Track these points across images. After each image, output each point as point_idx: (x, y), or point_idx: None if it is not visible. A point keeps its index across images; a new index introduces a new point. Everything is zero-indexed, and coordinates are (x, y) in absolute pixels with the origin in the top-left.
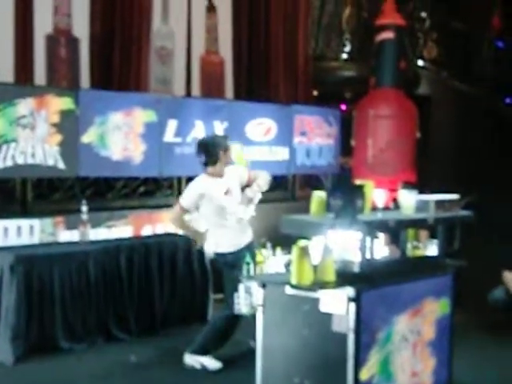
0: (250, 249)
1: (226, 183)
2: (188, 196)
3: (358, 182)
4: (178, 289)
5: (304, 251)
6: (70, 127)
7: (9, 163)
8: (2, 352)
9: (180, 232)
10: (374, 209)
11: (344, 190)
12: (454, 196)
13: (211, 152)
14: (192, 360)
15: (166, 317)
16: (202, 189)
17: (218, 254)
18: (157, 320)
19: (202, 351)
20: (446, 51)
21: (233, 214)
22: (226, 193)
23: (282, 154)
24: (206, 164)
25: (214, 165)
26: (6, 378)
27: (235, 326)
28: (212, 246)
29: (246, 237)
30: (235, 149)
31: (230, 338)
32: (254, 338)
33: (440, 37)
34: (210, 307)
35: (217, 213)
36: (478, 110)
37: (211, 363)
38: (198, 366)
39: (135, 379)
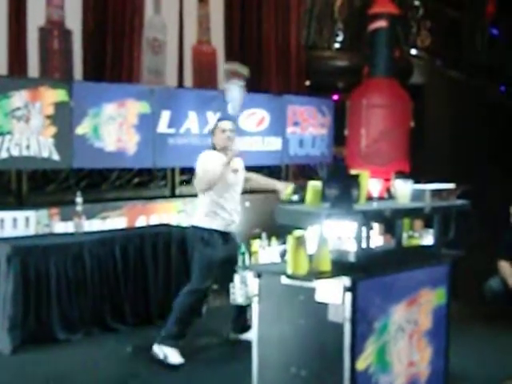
0: (225, 239)
1: (234, 163)
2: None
3: (353, 171)
4: (172, 279)
5: (299, 241)
6: (64, 119)
7: (4, 155)
8: None
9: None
10: (370, 198)
11: (339, 179)
12: (450, 185)
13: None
14: (158, 349)
15: (161, 307)
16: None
17: (195, 228)
18: (152, 310)
19: (169, 338)
20: (440, 40)
21: (231, 195)
22: (234, 172)
23: (274, 144)
24: None
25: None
26: (4, 368)
27: (199, 303)
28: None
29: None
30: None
31: (195, 319)
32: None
33: (433, 25)
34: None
35: (218, 187)
36: (472, 99)
37: (174, 357)
38: (161, 357)
39: (131, 370)
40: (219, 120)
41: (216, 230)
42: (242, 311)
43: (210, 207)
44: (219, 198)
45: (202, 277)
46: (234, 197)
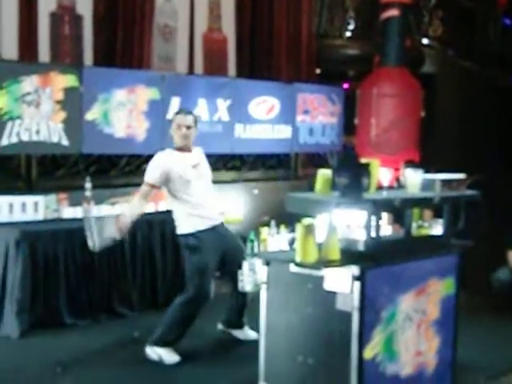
0: (215, 232)
1: (194, 157)
2: (149, 170)
3: (363, 160)
4: (180, 265)
5: (309, 229)
6: (74, 104)
7: (14, 140)
8: (7, 326)
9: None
10: (380, 188)
11: (350, 168)
12: (460, 175)
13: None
14: (151, 351)
15: (169, 293)
16: (162, 160)
17: (181, 236)
18: (159, 296)
19: (162, 342)
20: (452, 29)
21: (197, 190)
22: (194, 167)
23: (284, 132)
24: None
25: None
26: (12, 351)
27: (194, 312)
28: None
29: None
30: None
31: (191, 325)
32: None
33: (445, 15)
34: (211, 284)
35: (179, 187)
36: (483, 89)
37: (169, 356)
38: (156, 358)
39: (138, 355)
40: (177, 112)
41: (200, 231)
42: (242, 305)
43: (183, 209)
44: (185, 196)
45: (197, 284)
46: (201, 190)
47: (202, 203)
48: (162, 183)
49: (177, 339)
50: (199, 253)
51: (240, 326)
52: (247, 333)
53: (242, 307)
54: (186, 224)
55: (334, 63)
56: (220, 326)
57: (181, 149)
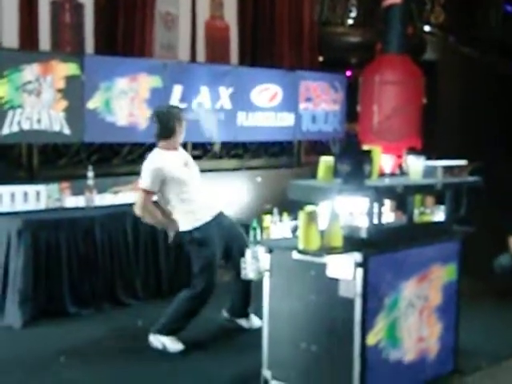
0: (217, 221)
1: (182, 155)
2: (146, 176)
3: (366, 147)
4: (183, 254)
5: (311, 216)
6: (75, 93)
7: (15, 129)
8: (10, 316)
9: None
10: (382, 174)
11: (352, 155)
12: (462, 162)
13: (166, 124)
14: (155, 340)
15: (172, 282)
16: (159, 164)
17: (183, 233)
18: (163, 285)
19: (166, 331)
20: (453, 16)
21: (193, 187)
22: (186, 165)
23: (287, 119)
24: (159, 136)
25: (169, 138)
26: (14, 342)
27: (201, 305)
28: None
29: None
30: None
31: (197, 316)
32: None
33: (447, 2)
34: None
35: (176, 187)
36: (485, 76)
37: (172, 345)
38: (159, 347)
39: (141, 343)
40: (179, 109)
41: (203, 224)
42: (246, 293)
43: (182, 208)
44: (182, 195)
45: (206, 279)
46: (196, 186)
47: (199, 197)
48: (160, 187)
49: (181, 328)
50: (206, 244)
51: (245, 315)
52: (252, 322)
53: (247, 296)
54: (188, 221)
55: (336, 51)
56: (225, 314)
57: (174, 148)
